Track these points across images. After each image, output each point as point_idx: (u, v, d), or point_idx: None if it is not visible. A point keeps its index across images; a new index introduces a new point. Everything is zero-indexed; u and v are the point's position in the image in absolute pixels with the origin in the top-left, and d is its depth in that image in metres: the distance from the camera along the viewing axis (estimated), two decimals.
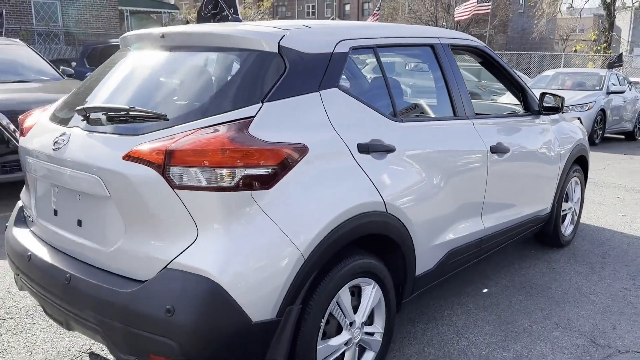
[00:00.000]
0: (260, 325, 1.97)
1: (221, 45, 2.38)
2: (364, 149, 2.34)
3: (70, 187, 2.25)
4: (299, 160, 2.07)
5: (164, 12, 28.51)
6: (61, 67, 7.45)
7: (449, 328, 3.13)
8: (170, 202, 1.95)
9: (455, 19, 24.04)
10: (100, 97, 2.53)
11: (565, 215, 4.47)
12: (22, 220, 2.71)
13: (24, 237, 2.57)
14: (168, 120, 2.09)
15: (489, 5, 21.32)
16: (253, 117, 2.04)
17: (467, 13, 21.37)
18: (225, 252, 1.94)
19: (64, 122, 2.42)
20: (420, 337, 3.01)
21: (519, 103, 3.90)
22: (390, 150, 2.47)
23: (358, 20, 40.86)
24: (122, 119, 2.21)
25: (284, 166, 2.02)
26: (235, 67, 2.28)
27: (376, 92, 2.78)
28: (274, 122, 2.08)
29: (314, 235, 2.06)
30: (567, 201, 4.44)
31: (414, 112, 3.12)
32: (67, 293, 2.17)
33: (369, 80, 3.16)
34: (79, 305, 2.14)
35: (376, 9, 24.64)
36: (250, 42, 2.26)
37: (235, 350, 1.96)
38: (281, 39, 2.25)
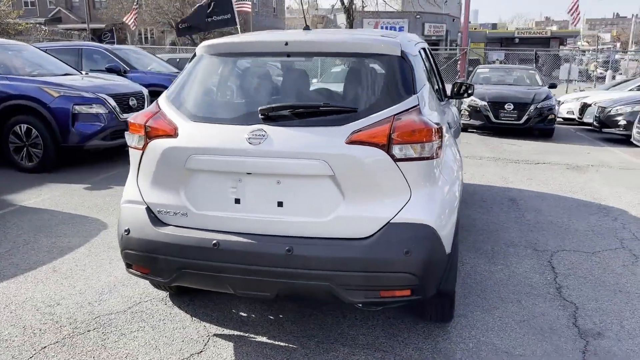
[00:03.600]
0: (448, 256, 2.76)
1: (354, 51, 2.97)
2: None
3: (271, 174, 2.63)
4: (445, 135, 2.89)
5: None
6: None
7: None
8: (392, 172, 2.59)
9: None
10: (260, 98, 2.89)
11: None
12: (157, 219, 2.85)
13: (184, 231, 2.76)
14: (357, 112, 2.67)
15: (249, 3, 22.75)
16: (417, 105, 2.77)
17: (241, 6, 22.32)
18: (431, 204, 2.66)
19: (239, 120, 2.74)
20: None
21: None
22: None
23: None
24: (312, 114, 2.69)
25: (441, 139, 2.81)
26: (380, 68, 2.92)
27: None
28: (426, 107, 2.84)
29: (461, 186, 2.92)
30: None
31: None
32: (289, 262, 2.58)
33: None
34: (306, 268, 2.58)
35: (135, 4, 24.07)
36: (385, 49, 2.92)
37: (439, 274, 2.71)
38: (401, 46, 2.98)
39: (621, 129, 10.80)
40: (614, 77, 28.30)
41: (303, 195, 2.65)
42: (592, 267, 4.14)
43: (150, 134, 2.84)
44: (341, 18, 38.28)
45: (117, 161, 7.94)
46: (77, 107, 7.11)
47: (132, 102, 7.89)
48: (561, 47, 41.26)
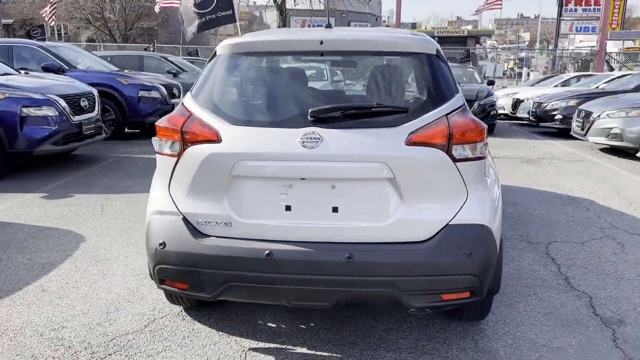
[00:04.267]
0: (499, 255, 2.76)
1: (392, 50, 2.88)
2: None
3: (327, 179, 2.51)
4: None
5: None
6: None
7: None
8: (451, 173, 2.54)
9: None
10: (303, 99, 2.75)
11: None
12: (196, 230, 2.65)
13: (229, 242, 2.59)
14: (408, 112, 2.61)
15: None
16: (463, 104, 2.74)
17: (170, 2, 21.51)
18: (485, 204, 2.65)
19: (286, 124, 2.59)
20: None
21: None
22: None
23: None
24: (364, 115, 2.59)
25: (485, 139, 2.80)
26: (420, 66, 2.85)
27: None
28: (465, 106, 2.82)
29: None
30: None
31: None
32: (350, 269, 2.47)
33: None
34: (369, 275, 2.48)
35: None
36: (422, 47, 2.85)
37: (493, 273, 2.70)
38: (435, 44, 2.94)
39: (557, 123, 11.43)
40: (528, 75, 30.07)
41: (360, 199, 2.55)
42: (587, 257, 4.32)
43: (188, 140, 2.63)
44: (271, 16, 38.04)
45: (65, 167, 7.45)
46: (25, 110, 6.55)
47: (84, 103, 7.42)
48: (477, 45, 43.18)
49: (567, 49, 35.91)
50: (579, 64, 27.91)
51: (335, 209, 2.56)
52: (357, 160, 2.51)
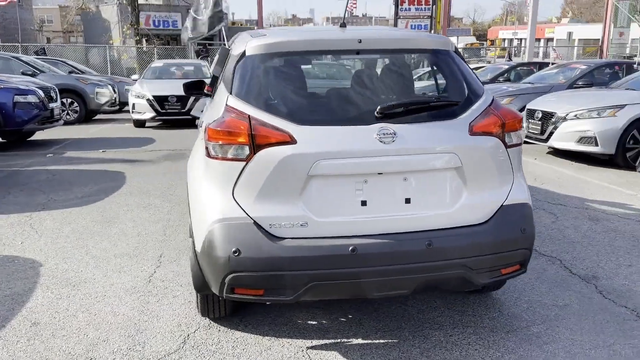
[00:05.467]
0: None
1: (424, 47, 3.08)
2: None
3: (401, 172, 2.62)
4: None
5: None
6: None
7: None
8: (504, 158, 2.80)
9: None
10: (361, 96, 2.83)
11: None
12: (269, 234, 2.58)
13: (309, 242, 2.57)
14: (459, 105, 2.81)
15: None
16: (493, 96, 3.02)
17: None
18: (524, 184, 2.96)
19: (356, 121, 2.65)
20: None
21: None
22: None
23: None
24: (424, 109, 2.75)
25: None
26: (451, 62, 3.04)
27: None
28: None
29: None
30: None
31: None
32: (430, 256, 2.61)
33: None
34: (446, 259, 2.64)
35: None
36: (447, 44, 3.07)
37: None
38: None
39: None
40: None
41: (430, 189, 2.70)
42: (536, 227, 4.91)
43: (260, 143, 2.55)
44: (106, 11, 35.59)
45: None
46: (17, 97, 8.73)
47: (52, 94, 9.69)
48: None
49: None
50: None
51: (407, 200, 2.68)
52: (431, 152, 2.65)
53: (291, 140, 2.55)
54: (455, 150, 2.68)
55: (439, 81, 3.17)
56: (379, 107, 2.64)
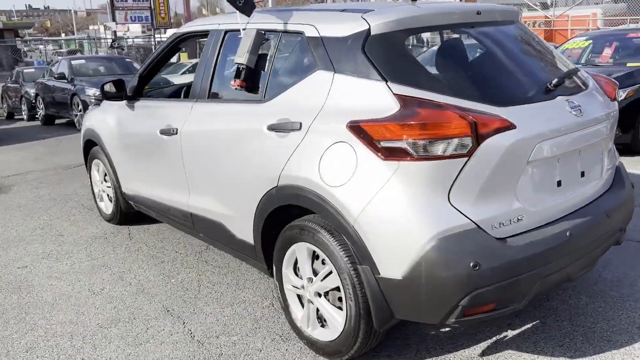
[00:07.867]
0: None
1: (515, 19, 3.05)
2: None
3: (585, 145, 2.62)
4: None
5: None
6: None
7: None
8: (615, 120, 2.93)
9: None
10: (525, 70, 2.79)
11: None
12: (493, 237, 2.31)
13: (531, 236, 2.37)
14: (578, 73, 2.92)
15: None
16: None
17: None
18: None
19: (539, 97, 2.54)
20: None
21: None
22: None
23: None
24: (575, 80, 2.83)
25: None
26: (533, 34, 3.13)
27: None
28: None
29: None
30: None
31: None
32: (612, 225, 2.73)
33: None
34: (618, 226, 2.79)
35: None
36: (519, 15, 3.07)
37: None
38: None
39: None
40: None
41: (593, 160, 2.75)
42: None
43: (483, 133, 2.22)
44: None
45: None
46: None
47: None
48: (17, 38, 35.76)
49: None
50: (142, 52, 28.50)
51: (582, 174, 2.66)
52: (602, 121, 2.71)
53: (510, 125, 2.28)
54: (609, 118, 2.77)
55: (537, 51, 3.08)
56: (555, 80, 2.56)
